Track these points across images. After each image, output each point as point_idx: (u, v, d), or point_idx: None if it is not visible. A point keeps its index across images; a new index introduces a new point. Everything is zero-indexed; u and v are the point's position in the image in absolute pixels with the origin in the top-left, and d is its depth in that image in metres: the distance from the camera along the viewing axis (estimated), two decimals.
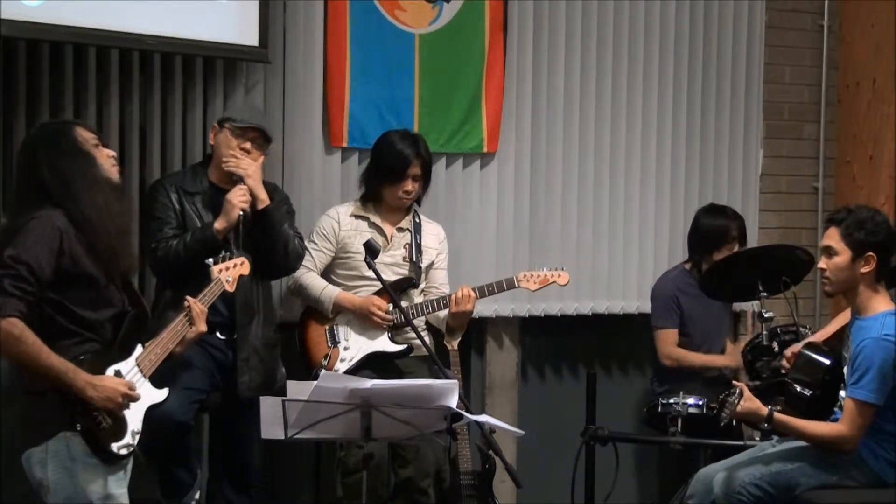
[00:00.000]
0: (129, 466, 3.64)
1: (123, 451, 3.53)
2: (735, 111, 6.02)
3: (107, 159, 3.70)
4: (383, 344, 4.84)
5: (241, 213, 4.42)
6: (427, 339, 4.82)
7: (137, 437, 3.57)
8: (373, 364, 4.77)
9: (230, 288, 4.12)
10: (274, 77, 5.09)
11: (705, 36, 5.93)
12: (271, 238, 4.52)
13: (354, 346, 4.83)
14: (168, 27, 4.63)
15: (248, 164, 4.49)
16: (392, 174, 4.84)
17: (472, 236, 5.48)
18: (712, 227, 5.40)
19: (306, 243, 4.84)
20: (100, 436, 3.47)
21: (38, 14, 4.31)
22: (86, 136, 3.68)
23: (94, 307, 3.55)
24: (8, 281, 3.35)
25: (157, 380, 3.71)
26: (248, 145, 4.51)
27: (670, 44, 5.84)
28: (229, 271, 4.13)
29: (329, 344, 4.83)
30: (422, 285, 4.97)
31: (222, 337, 4.53)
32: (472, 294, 4.82)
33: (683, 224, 5.80)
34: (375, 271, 4.38)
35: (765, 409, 4.11)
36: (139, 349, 3.66)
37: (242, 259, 4.21)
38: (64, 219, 3.51)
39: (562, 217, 5.66)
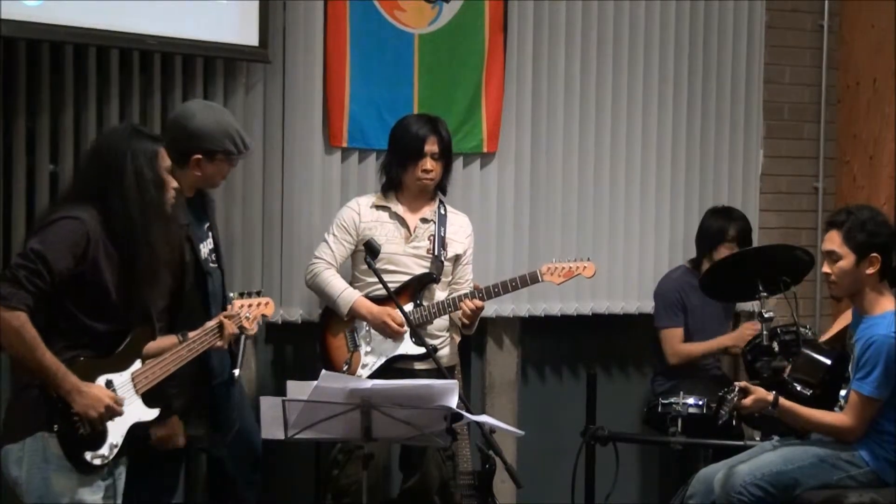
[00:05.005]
0: (116, 483, 3.59)
1: (97, 462, 3.47)
2: (735, 111, 6.01)
3: (170, 190, 3.66)
4: (406, 346, 4.70)
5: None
6: (447, 344, 4.81)
7: (116, 450, 3.51)
8: (396, 375, 4.46)
9: (248, 325, 3.96)
10: (274, 77, 5.09)
11: (705, 36, 5.92)
12: None
13: (377, 349, 4.71)
14: (168, 27, 4.63)
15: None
16: (410, 154, 4.70)
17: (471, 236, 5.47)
18: (710, 227, 5.45)
19: (326, 236, 4.78)
20: (76, 441, 3.42)
21: (38, 14, 4.32)
22: (167, 161, 3.64)
23: (98, 317, 3.51)
24: (24, 273, 3.35)
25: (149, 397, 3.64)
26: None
27: (670, 44, 5.84)
28: (251, 309, 4.00)
29: (350, 347, 4.73)
30: (447, 279, 4.84)
31: None
32: (480, 304, 4.71)
33: (684, 224, 5.81)
34: (376, 272, 4.36)
35: (770, 395, 4.16)
36: (137, 363, 3.61)
37: (268, 299, 4.08)
38: (98, 227, 3.47)
39: (562, 217, 5.66)
